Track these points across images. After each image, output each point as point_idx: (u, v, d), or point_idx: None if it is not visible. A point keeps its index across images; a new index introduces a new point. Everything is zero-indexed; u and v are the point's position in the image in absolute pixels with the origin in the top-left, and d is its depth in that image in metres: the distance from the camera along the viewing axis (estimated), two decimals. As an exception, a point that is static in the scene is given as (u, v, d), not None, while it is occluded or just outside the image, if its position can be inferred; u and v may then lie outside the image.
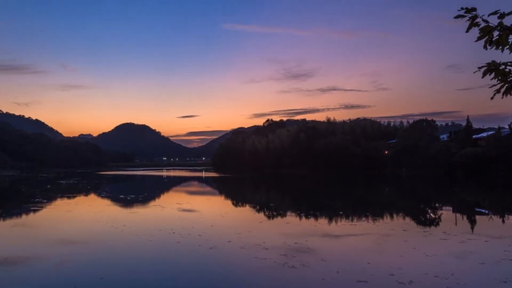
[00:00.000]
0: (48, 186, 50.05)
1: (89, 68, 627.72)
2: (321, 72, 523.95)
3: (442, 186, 47.36)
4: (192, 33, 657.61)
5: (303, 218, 21.04)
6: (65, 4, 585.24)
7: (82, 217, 21.81)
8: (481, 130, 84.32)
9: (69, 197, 34.01)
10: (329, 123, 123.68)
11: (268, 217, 22.19)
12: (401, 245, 13.96)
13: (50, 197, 34.02)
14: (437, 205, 29.33)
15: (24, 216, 23.12)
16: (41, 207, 26.53)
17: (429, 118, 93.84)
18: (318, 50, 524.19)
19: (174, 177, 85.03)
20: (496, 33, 4.24)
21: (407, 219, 20.83)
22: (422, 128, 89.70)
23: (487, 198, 33.83)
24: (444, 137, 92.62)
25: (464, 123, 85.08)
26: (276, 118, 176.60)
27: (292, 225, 18.74)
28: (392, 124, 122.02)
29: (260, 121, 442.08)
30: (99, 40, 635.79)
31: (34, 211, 24.58)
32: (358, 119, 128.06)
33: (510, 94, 4.41)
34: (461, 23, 4.24)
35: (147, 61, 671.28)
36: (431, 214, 23.31)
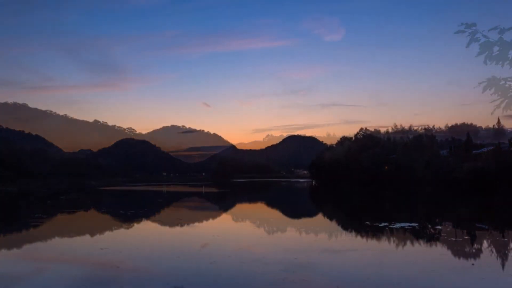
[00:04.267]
0: (48, 202, 49.88)
1: (89, 82, 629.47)
2: (322, 88, 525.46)
3: (442, 201, 47.18)
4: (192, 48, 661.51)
5: (303, 233, 20.93)
6: (65, 19, 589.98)
7: (82, 232, 21.70)
8: (481, 146, 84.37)
9: (69, 213, 33.87)
10: (329, 137, 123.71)
11: (268, 232, 22.06)
12: (402, 260, 13.89)
13: (50, 213, 33.89)
14: (437, 220, 29.20)
15: (24, 232, 23.02)
16: (41, 222, 26.42)
17: (429, 133, 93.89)
18: (319, 65, 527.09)
19: (174, 192, 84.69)
20: (496, 49, 4.28)
21: (407, 234, 20.72)
22: (422, 143, 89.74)
23: (487, 213, 33.68)
24: (444, 152, 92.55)
25: (464, 138, 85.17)
26: (276, 133, 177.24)
27: (292, 240, 18.67)
28: (392, 139, 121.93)
29: (260, 136, 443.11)
30: (99, 54, 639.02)
31: (34, 226, 24.43)
32: (358, 134, 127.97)
33: (510, 109, 4.44)
34: (462, 39, 4.29)
35: (147, 75, 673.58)
36: (431, 229, 23.19)
